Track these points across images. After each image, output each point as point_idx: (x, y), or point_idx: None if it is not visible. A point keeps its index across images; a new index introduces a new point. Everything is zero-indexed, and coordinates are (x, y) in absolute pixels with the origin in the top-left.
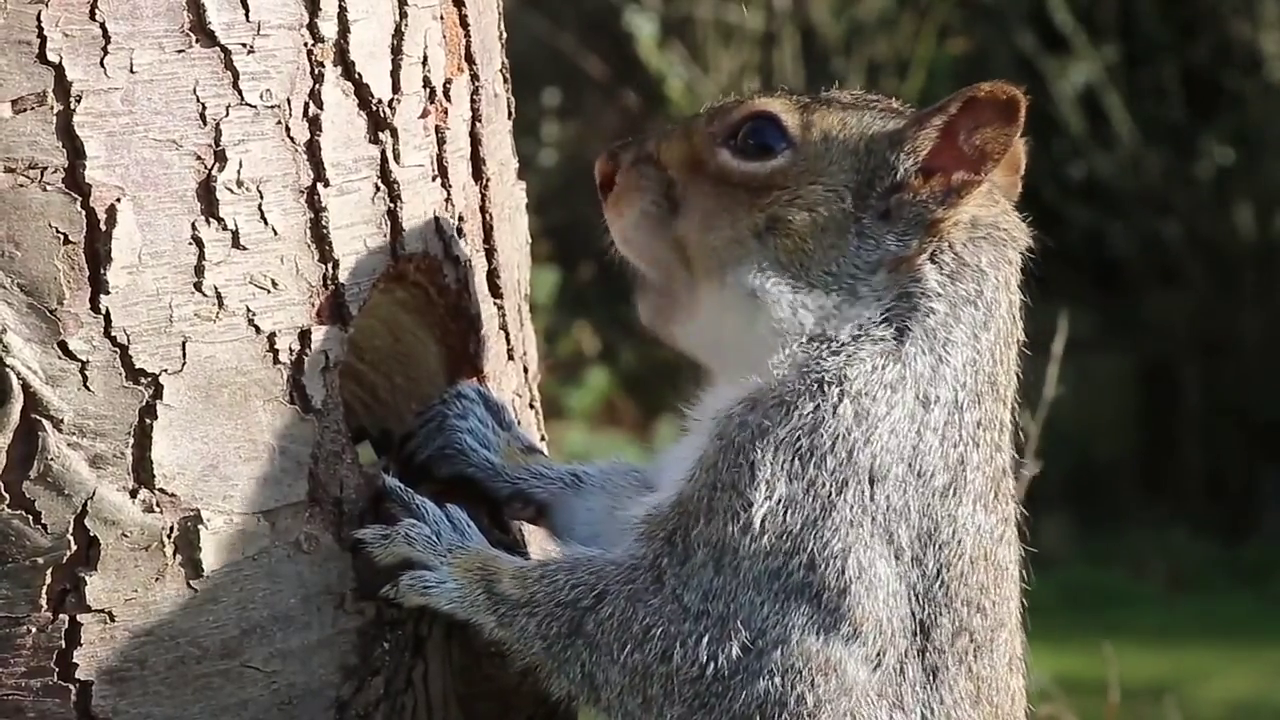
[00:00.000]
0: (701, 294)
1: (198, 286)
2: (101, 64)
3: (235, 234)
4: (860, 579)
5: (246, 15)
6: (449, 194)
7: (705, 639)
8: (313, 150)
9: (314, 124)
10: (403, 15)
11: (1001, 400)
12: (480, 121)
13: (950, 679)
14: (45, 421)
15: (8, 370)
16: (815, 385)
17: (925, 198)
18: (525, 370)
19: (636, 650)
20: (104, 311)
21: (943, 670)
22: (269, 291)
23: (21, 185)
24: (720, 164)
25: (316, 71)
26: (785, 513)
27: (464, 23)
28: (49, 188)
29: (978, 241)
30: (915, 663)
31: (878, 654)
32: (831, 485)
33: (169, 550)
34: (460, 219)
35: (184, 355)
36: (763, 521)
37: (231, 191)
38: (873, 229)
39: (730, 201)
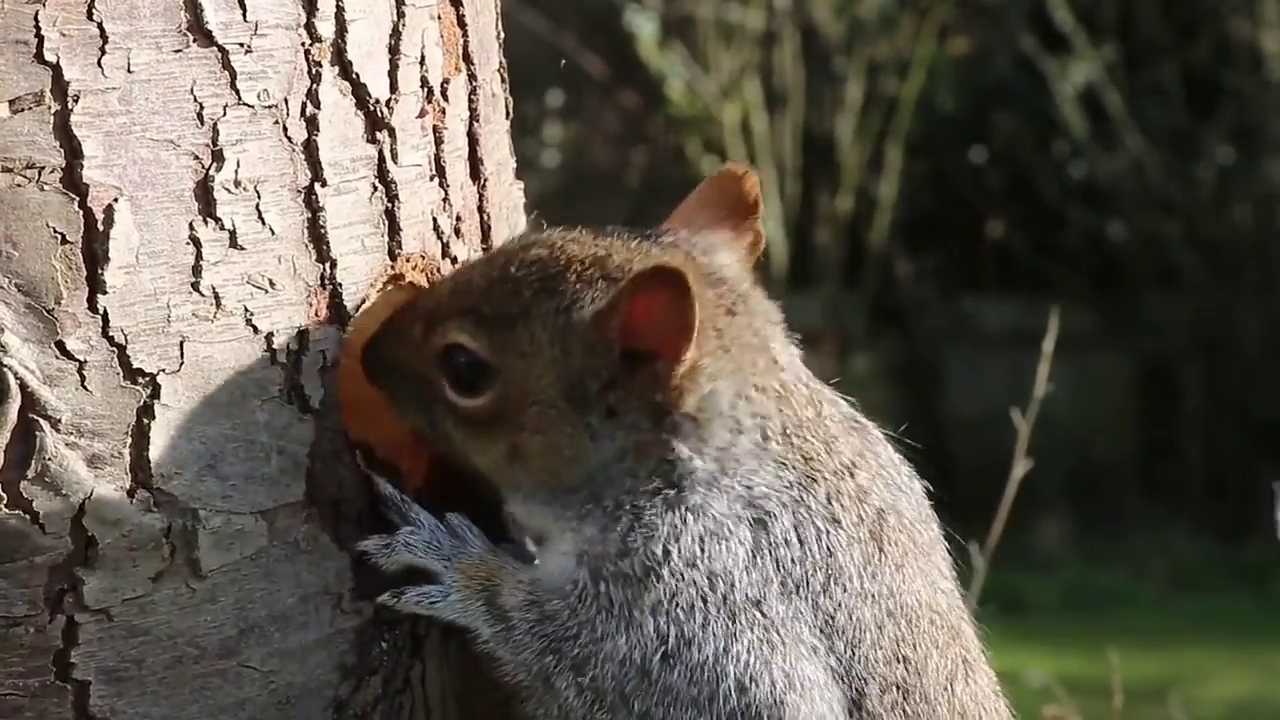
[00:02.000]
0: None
1: (195, 286)
2: (99, 64)
3: (233, 234)
4: (791, 687)
5: (244, 15)
6: (446, 194)
7: None
8: (310, 150)
9: (311, 124)
10: (400, 15)
11: (829, 463)
12: (478, 121)
13: None
14: (43, 421)
15: (5, 370)
16: (645, 573)
17: (638, 391)
18: None
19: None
20: (101, 311)
21: None
22: (266, 291)
23: (19, 185)
24: (450, 401)
25: (314, 71)
26: (687, 649)
27: (461, 22)
28: (46, 187)
29: (711, 394)
30: None
31: None
32: (722, 622)
33: (167, 550)
34: (458, 219)
35: (182, 355)
36: (664, 659)
37: (229, 191)
38: (605, 428)
39: (473, 432)
